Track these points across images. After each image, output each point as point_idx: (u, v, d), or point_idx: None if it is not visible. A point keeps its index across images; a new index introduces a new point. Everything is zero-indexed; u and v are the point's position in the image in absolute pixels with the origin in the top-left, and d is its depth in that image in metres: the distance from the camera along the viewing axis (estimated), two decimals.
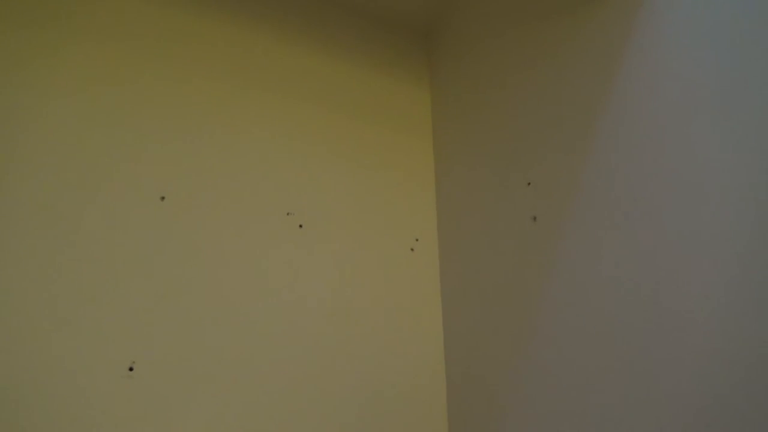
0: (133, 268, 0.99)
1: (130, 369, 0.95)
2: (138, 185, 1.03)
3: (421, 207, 1.39)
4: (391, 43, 1.47)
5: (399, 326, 1.27)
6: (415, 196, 1.39)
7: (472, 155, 1.30)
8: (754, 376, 0.73)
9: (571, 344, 1.00)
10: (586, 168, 1.01)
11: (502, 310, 1.16)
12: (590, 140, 1.00)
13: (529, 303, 1.09)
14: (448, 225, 1.36)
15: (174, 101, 1.10)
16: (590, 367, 0.96)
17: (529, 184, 1.13)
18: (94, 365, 0.92)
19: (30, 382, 0.87)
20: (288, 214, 1.18)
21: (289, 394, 1.09)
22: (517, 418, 1.09)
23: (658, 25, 0.91)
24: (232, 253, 1.09)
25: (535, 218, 1.11)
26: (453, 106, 1.40)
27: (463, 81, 1.37)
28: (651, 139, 0.90)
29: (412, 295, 1.31)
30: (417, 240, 1.36)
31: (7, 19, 0.97)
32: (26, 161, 0.94)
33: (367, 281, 1.25)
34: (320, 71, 1.32)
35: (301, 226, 1.19)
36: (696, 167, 0.83)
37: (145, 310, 0.98)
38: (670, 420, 0.82)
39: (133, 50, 1.08)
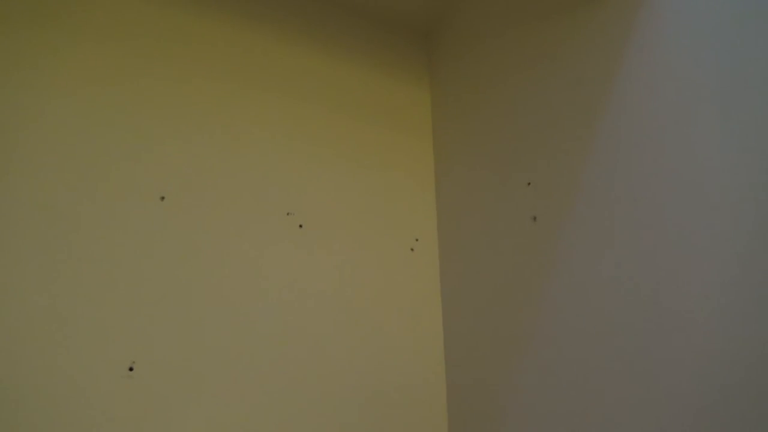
0: (133, 268, 0.99)
1: (130, 369, 0.95)
2: (138, 185, 1.03)
3: (421, 207, 1.39)
4: (391, 44, 1.47)
5: (399, 326, 1.27)
6: (415, 196, 1.39)
7: (472, 155, 1.30)
8: (754, 376, 0.73)
9: (571, 344, 0.99)
10: (586, 168, 1.01)
11: (502, 310, 1.16)
12: (590, 140, 1.00)
13: (529, 303, 1.09)
14: (448, 225, 1.36)
15: (174, 101, 1.10)
16: (590, 367, 0.96)
17: (529, 184, 1.13)
18: (94, 365, 0.92)
19: (30, 382, 0.87)
20: (288, 214, 1.18)
21: (289, 394, 1.09)
22: (517, 418, 1.09)
23: (658, 25, 0.91)
24: (232, 253, 1.09)
25: (535, 218, 1.11)
26: (453, 106, 1.40)
27: (463, 81, 1.37)
28: (651, 139, 0.90)
29: (412, 295, 1.31)
30: (417, 240, 1.35)
31: (7, 19, 0.97)
32: (26, 161, 0.94)
33: (367, 281, 1.25)
34: (320, 71, 1.32)
35: (301, 226, 1.19)
36: (696, 167, 0.83)
37: (145, 310, 0.98)
38: (670, 420, 0.82)
39: (133, 50, 1.08)
